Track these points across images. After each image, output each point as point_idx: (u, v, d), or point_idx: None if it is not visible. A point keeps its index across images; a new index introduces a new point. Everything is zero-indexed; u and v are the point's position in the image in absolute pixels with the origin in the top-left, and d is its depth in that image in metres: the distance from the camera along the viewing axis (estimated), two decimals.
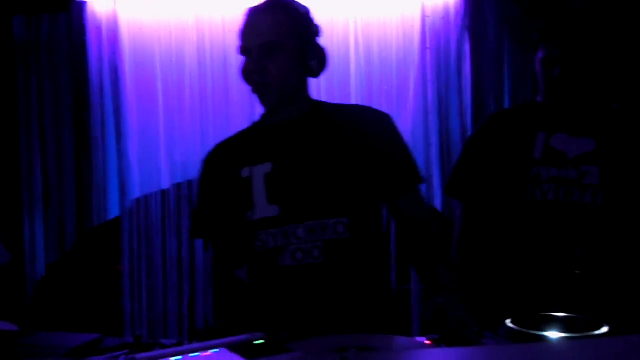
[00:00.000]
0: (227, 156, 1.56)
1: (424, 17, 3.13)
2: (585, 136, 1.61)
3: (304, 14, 1.49)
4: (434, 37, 3.13)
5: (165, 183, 3.22)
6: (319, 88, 3.13)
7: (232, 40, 3.19)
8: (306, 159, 1.44)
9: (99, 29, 3.17)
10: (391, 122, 1.51)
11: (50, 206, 3.23)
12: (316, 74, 1.50)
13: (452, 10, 3.13)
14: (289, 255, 1.40)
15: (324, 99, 3.16)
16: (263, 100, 1.47)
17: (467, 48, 3.12)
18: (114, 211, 3.24)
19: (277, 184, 1.44)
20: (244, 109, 3.13)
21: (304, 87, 1.51)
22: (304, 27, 1.48)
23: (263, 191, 1.44)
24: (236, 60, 3.16)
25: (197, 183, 1.65)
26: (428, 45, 3.14)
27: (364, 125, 1.47)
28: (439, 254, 1.47)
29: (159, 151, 3.20)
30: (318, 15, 3.07)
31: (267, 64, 1.42)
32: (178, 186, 3.23)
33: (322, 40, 3.26)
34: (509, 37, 3.07)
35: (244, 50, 1.46)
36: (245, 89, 3.31)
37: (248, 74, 1.45)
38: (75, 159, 3.23)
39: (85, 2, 3.16)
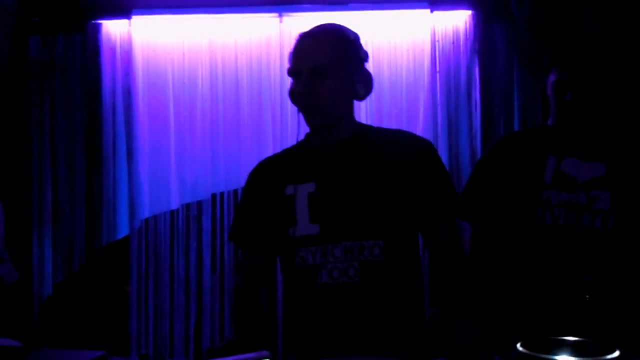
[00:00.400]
0: (273, 173, 1.61)
1: (434, 42, 3.16)
2: (595, 160, 1.60)
3: (353, 40, 1.53)
4: (443, 61, 3.16)
5: (175, 203, 3.23)
6: None
7: (244, 63, 3.27)
8: (348, 181, 1.48)
9: (113, 50, 3.22)
10: (431, 148, 1.56)
11: (59, 225, 3.25)
12: (362, 98, 1.55)
13: (462, 35, 3.15)
14: (327, 273, 1.45)
15: None
16: (310, 122, 1.52)
17: (476, 72, 3.14)
18: (123, 231, 3.25)
19: (319, 203, 1.49)
20: (255, 131, 3.15)
21: (349, 110, 1.56)
22: (353, 52, 1.52)
23: (306, 209, 1.49)
24: (248, 83, 3.22)
25: (240, 193, 1.70)
26: (438, 69, 3.16)
27: (405, 151, 1.51)
28: (462, 282, 1.49)
29: (169, 172, 3.22)
30: None
31: (316, 87, 1.47)
32: (187, 207, 3.24)
33: None
34: (518, 61, 3.09)
35: (294, 72, 1.51)
36: (256, 112, 3.33)
37: (297, 95, 1.50)
38: (86, 178, 3.26)
39: (100, 24, 3.22)
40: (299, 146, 1.62)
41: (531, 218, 1.59)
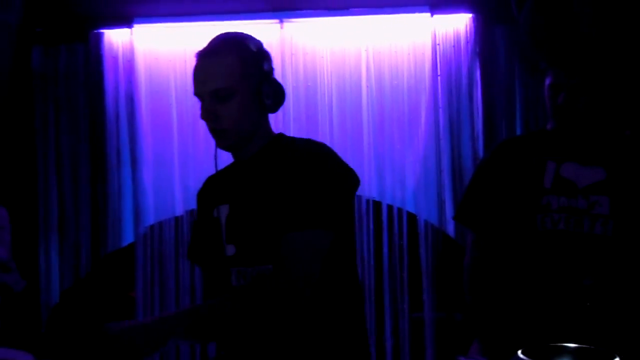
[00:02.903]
0: (208, 194, 1.60)
1: (434, 45, 3.16)
2: (595, 165, 1.59)
3: (255, 52, 1.44)
4: (444, 64, 3.16)
5: (179, 210, 3.25)
6: (332, 116, 3.17)
7: None
8: (252, 200, 1.43)
9: (115, 59, 3.24)
10: (318, 157, 1.41)
11: (65, 233, 3.27)
12: (273, 110, 1.47)
13: (462, 38, 3.16)
14: None
15: (335, 126, 3.26)
16: (219, 144, 1.47)
17: (478, 75, 3.14)
18: (128, 237, 3.27)
19: (233, 224, 1.46)
20: None
21: (261, 124, 1.47)
22: (256, 67, 1.43)
23: (225, 230, 1.47)
24: None
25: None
26: (439, 73, 3.16)
27: (296, 162, 1.40)
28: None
29: (173, 178, 3.23)
30: (330, 43, 3.15)
31: (219, 110, 1.40)
32: (191, 213, 3.26)
33: (335, 67, 3.28)
34: (519, 63, 3.09)
35: (197, 94, 1.45)
36: None
37: (203, 119, 1.45)
38: (91, 186, 3.27)
39: (102, 33, 3.24)
40: (229, 164, 1.59)
41: (531, 223, 1.59)
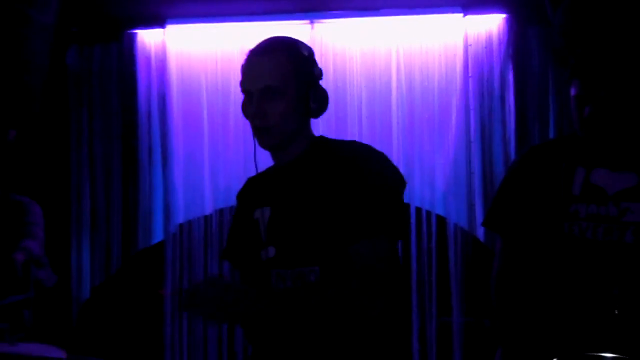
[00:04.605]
0: (248, 196, 1.61)
1: (466, 46, 3.13)
2: (627, 171, 1.54)
3: (306, 57, 1.47)
4: (476, 65, 3.12)
5: (209, 208, 3.27)
6: (361, 117, 3.15)
7: None
8: (297, 203, 1.44)
9: (148, 58, 3.29)
10: (371, 160, 1.42)
11: (97, 230, 3.33)
12: (316, 116, 1.49)
13: (495, 39, 3.11)
14: None
15: (364, 127, 3.25)
16: (261, 142, 1.48)
17: (510, 77, 3.09)
18: (158, 235, 3.31)
19: (274, 227, 1.47)
20: None
21: (303, 127, 1.49)
22: (306, 70, 1.46)
23: (265, 232, 1.48)
24: None
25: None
26: (470, 74, 3.13)
27: (345, 166, 1.41)
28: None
29: (204, 177, 3.26)
30: (360, 44, 3.14)
31: (267, 108, 1.42)
32: (221, 212, 3.28)
33: (365, 68, 3.27)
34: (553, 65, 3.03)
35: (245, 90, 1.47)
36: None
37: (249, 115, 1.47)
38: (122, 184, 3.32)
39: (135, 33, 3.29)
40: (270, 168, 1.59)
41: (559, 232, 1.55)
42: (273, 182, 1.53)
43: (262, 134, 1.46)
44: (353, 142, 1.51)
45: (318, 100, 1.47)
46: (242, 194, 1.64)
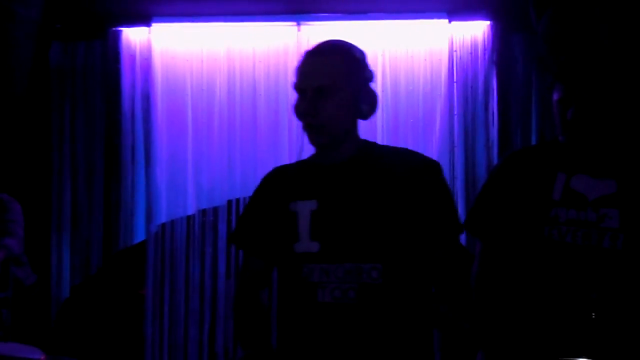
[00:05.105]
0: (282, 185, 1.61)
1: (451, 52, 3.15)
2: (606, 177, 1.57)
3: (359, 59, 1.53)
4: (461, 71, 3.15)
5: (192, 209, 3.26)
6: None
7: (262, 71, 3.29)
8: (349, 200, 1.48)
9: (132, 57, 3.27)
10: (436, 170, 1.54)
11: (77, 229, 3.29)
12: (366, 117, 1.54)
13: (480, 45, 3.15)
14: (329, 292, 1.45)
15: None
16: (313, 140, 1.52)
17: (494, 82, 3.13)
18: (140, 235, 3.29)
19: (320, 221, 1.49)
20: (271, 138, 3.17)
21: (353, 128, 1.55)
22: (358, 71, 1.52)
23: (307, 226, 1.50)
24: (265, 90, 3.25)
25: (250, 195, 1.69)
26: (455, 79, 3.15)
27: (409, 172, 1.50)
28: (462, 309, 1.50)
29: (187, 177, 3.25)
30: None
31: (320, 106, 1.47)
32: (203, 212, 3.27)
33: None
34: (536, 72, 3.07)
35: (299, 90, 1.51)
36: (272, 120, 3.34)
37: (301, 113, 1.51)
38: (104, 183, 3.30)
39: (120, 31, 3.26)
40: (308, 161, 1.63)
41: (538, 236, 1.57)
42: (321, 177, 1.55)
43: (313, 132, 1.50)
44: (407, 149, 1.61)
45: (368, 102, 1.52)
46: (272, 182, 1.62)
